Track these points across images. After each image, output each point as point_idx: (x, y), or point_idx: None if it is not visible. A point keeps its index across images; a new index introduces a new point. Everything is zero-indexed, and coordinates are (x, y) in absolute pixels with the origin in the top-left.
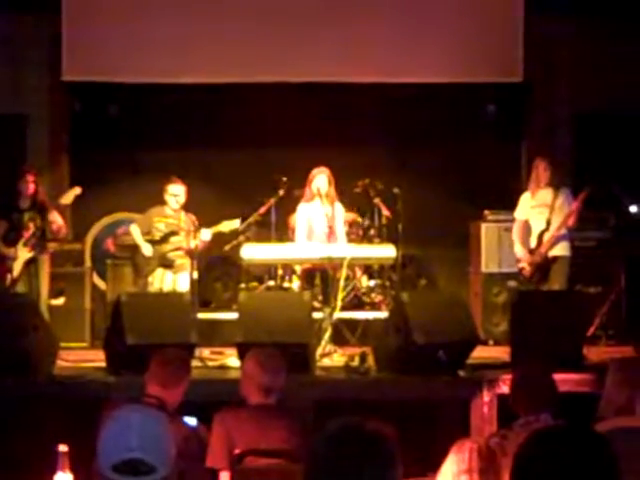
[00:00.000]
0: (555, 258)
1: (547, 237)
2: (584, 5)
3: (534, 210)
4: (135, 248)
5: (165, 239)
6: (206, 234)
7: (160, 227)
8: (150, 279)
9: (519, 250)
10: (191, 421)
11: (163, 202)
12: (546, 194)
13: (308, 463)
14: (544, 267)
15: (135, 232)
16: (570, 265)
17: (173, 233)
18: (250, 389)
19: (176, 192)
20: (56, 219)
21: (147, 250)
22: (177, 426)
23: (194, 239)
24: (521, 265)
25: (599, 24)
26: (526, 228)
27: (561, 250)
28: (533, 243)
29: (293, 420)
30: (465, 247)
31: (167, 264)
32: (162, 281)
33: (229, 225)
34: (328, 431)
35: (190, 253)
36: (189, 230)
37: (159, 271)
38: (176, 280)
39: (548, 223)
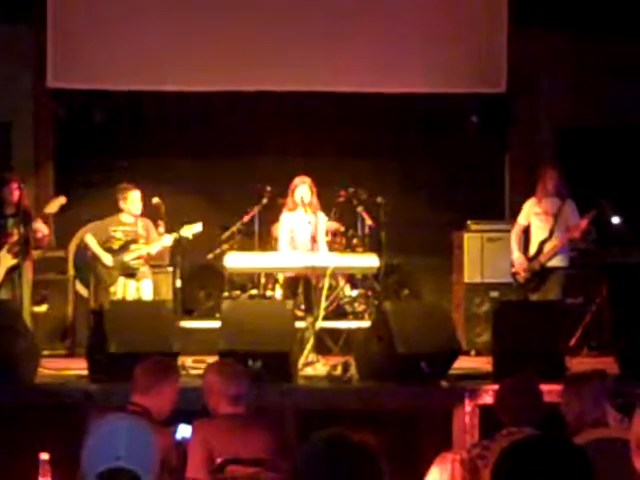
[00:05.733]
0: (553, 269)
1: (548, 247)
2: (566, 19)
3: (537, 217)
4: (95, 258)
5: (125, 247)
6: (167, 239)
7: (118, 236)
8: (112, 289)
9: (517, 255)
10: (186, 429)
11: (119, 210)
12: (551, 203)
13: (294, 476)
14: (540, 276)
15: (91, 242)
16: (566, 275)
17: (132, 241)
18: (219, 402)
19: (134, 198)
20: (41, 228)
21: (107, 260)
22: (160, 436)
23: (155, 244)
24: (516, 270)
25: (581, 38)
26: (525, 234)
27: (559, 261)
28: (532, 250)
29: (272, 428)
30: (448, 257)
31: (129, 273)
32: (125, 290)
33: (190, 229)
34: (314, 444)
35: (152, 259)
36: (148, 236)
37: (121, 280)
38: (140, 288)
39: (551, 233)
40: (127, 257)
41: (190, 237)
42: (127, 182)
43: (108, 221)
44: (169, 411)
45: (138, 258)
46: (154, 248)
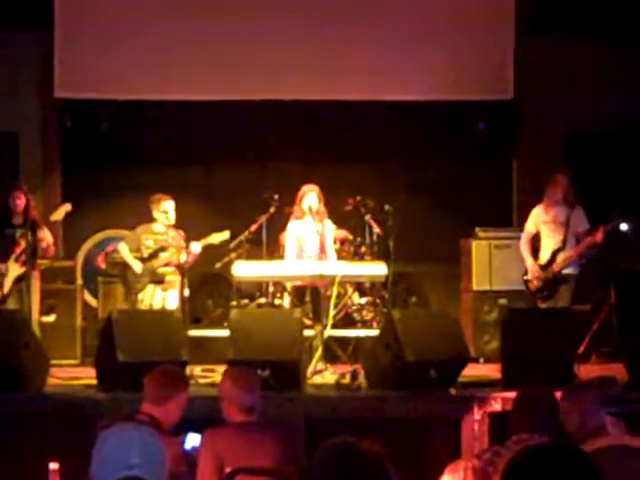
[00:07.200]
0: (564, 277)
1: (562, 257)
2: (572, 25)
3: (546, 226)
4: (125, 265)
5: (154, 255)
6: (196, 247)
7: (148, 244)
8: (140, 296)
9: (531, 263)
10: (195, 438)
11: (152, 219)
12: (560, 211)
13: None
14: (552, 284)
15: (124, 250)
16: (576, 283)
17: (162, 249)
18: (231, 410)
19: (168, 209)
20: (46, 237)
21: (137, 267)
22: (169, 445)
23: (183, 253)
24: (528, 278)
25: (587, 43)
26: (534, 242)
27: (571, 269)
28: (544, 259)
29: (282, 437)
30: (456, 265)
31: (157, 280)
32: (152, 298)
33: (219, 237)
34: (323, 452)
35: (180, 268)
36: (178, 245)
37: (149, 288)
38: (165, 297)
39: (564, 242)
40: (156, 264)
41: (218, 244)
42: (165, 192)
43: (140, 229)
44: (177, 420)
45: (167, 265)
46: (183, 257)
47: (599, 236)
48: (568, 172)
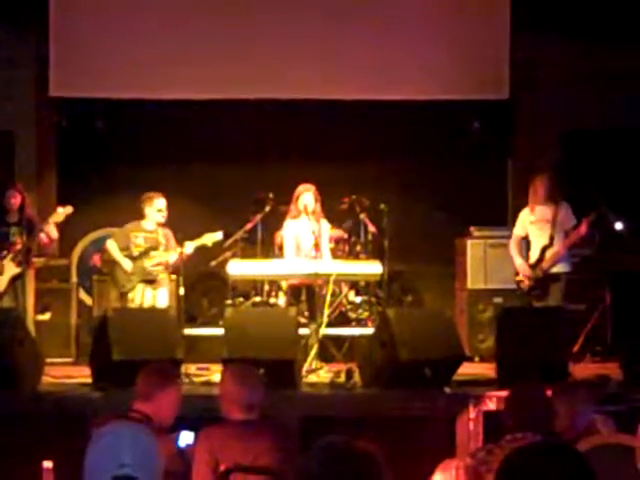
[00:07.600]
0: (555, 275)
1: (550, 254)
2: (568, 24)
3: (534, 226)
4: (115, 263)
5: (145, 254)
6: (189, 247)
7: (139, 242)
8: (131, 296)
9: (520, 263)
10: (189, 436)
11: (141, 217)
12: (546, 210)
13: None
14: (544, 282)
15: (112, 248)
16: (567, 281)
17: (153, 247)
18: (231, 407)
19: (162, 206)
20: (51, 232)
21: (127, 265)
22: (162, 443)
23: (174, 252)
24: (520, 278)
25: (583, 43)
26: (523, 243)
27: (562, 267)
28: (533, 258)
29: (278, 435)
30: (451, 263)
31: (149, 279)
32: (142, 297)
33: (212, 238)
34: (318, 451)
35: (170, 267)
36: (168, 244)
37: (139, 287)
38: (156, 296)
39: (551, 239)
40: (147, 263)
41: (211, 245)
42: (159, 191)
43: (129, 227)
44: (171, 418)
45: (158, 265)
46: (173, 256)
47: (583, 228)
48: (549, 171)
